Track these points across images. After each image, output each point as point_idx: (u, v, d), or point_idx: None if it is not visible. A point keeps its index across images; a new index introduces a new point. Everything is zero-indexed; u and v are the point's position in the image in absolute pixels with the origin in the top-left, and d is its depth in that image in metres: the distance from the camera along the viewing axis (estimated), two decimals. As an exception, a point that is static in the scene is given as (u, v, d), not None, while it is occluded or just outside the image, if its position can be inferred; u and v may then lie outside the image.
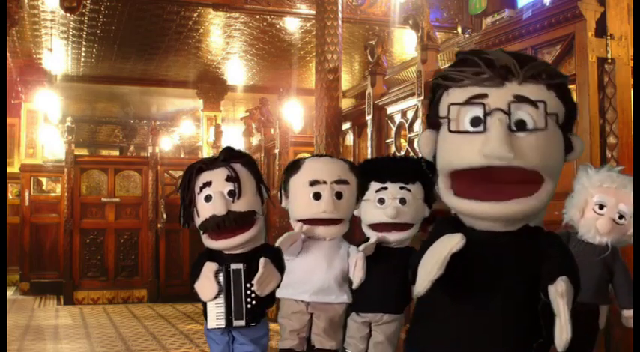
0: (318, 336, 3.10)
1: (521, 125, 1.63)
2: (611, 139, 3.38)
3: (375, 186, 3.05)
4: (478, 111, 1.65)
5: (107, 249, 9.90)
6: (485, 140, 1.61)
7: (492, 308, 1.72)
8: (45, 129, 12.55)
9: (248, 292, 2.60)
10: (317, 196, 2.98)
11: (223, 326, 2.61)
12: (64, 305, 9.52)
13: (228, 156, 2.69)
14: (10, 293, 10.83)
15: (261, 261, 2.55)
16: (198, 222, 2.65)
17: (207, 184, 2.61)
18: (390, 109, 5.70)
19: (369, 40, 6.91)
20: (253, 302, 2.60)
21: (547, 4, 3.71)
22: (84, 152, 17.07)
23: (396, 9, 7.69)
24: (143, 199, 10.06)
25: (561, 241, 1.83)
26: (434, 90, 1.81)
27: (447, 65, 5.45)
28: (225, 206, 2.56)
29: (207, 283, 2.57)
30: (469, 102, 1.67)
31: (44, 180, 11.51)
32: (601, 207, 2.66)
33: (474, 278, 1.73)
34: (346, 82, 11.44)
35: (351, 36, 9.61)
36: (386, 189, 3.02)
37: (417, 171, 3.07)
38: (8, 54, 9.91)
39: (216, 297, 2.59)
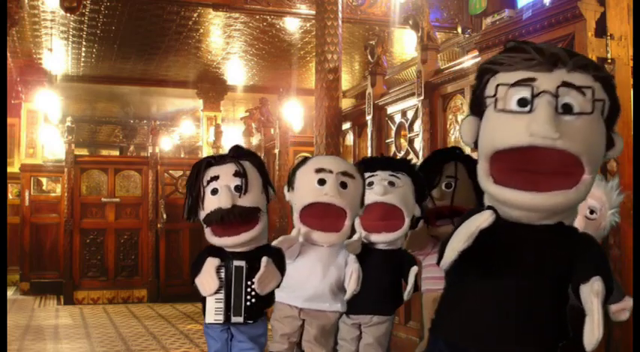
0: (309, 343, 3.09)
1: (567, 108, 1.64)
2: (611, 139, 3.38)
3: (366, 175, 3.08)
4: (526, 93, 1.66)
5: (107, 249, 9.90)
6: (531, 119, 1.62)
7: (521, 301, 1.72)
8: (45, 129, 12.55)
9: (248, 290, 2.61)
10: (321, 182, 2.94)
11: (221, 321, 2.63)
12: (64, 305, 9.52)
13: (237, 154, 2.72)
14: (10, 293, 10.82)
15: (264, 260, 2.57)
16: (202, 215, 2.65)
17: (215, 178, 2.63)
18: (390, 109, 5.70)
19: (369, 40, 6.91)
20: (253, 300, 2.62)
21: (547, 4, 3.71)
22: (84, 152, 17.07)
23: (396, 9, 7.70)
24: (143, 199, 10.06)
25: (596, 243, 1.83)
26: (480, 75, 1.81)
27: (448, 64, 5.47)
28: (230, 199, 2.57)
29: (208, 278, 2.58)
30: (517, 84, 1.68)
31: (44, 180, 11.51)
32: None
33: (504, 270, 1.73)
34: (346, 82, 11.44)
35: (351, 36, 9.61)
36: (376, 175, 3.06)
37: (407, 166, 3.14)
38: (8, 54, 9.91)
39: (216, 293, 2.60)
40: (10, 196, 11.66)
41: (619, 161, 3.36)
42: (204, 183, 2.64)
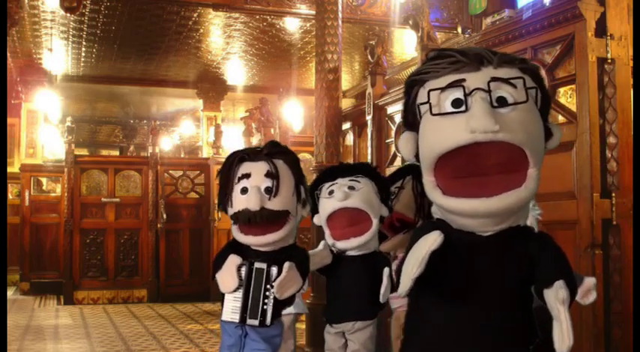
0: None
1: (502, 101, 1.64)
2: (611, 139, 3.38)
3: (325, 185, 3.08)
4: (458, 93, 1.65)
5: (107, 249, 9.90)
6: (468, 117, 1.61)
7: (485, 312, 1.70)
8: (45, 129, 12.55)
9: (267, 293, 2.56)
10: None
11: (237, 321, 2.59)
12: (64, 305, 9.53)
13: (272, 151, 2.62)
14: (10, 293, 10.83)
15: (286, 265, 2.50)
16: (230, 211, 2.59)
17: (247, 176, 2.55)
18: (390, 109, 5.70)
19: (369, 40, 6.91)
20: (270, 303, 2.57)
21: (547, 4, 3.71)
22: (84, 152, 17.08)
23: (396, 9, 7.69)
24: (143, 199, 10.06)
25: (554, 242, 1.80)
26: (409, 88, 1.80)
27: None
28: (259, 202, 2.49)
29: (228, 276, 2.52)
30: (449, 86, 1.68)
31: (44, 180, 11.51)
32: None
33: (464, 283, 1.71)
34: (346, 82, 11.44)
35: (351, 36, 9.62)
36: (336, 183, 3.05)
37: (366, 168, 3.14)
38: (8, 54, 9.91)
39: (235, 291, 2.55)
40: (10, 196, 11.66)
41: (619, 161, 3.35)
42: (236, 180, 2.57)
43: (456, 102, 1.65)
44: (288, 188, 2.59)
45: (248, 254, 2.57)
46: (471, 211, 1.67)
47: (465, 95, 1.64)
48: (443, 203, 1.71)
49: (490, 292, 1.71)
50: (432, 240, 1.63)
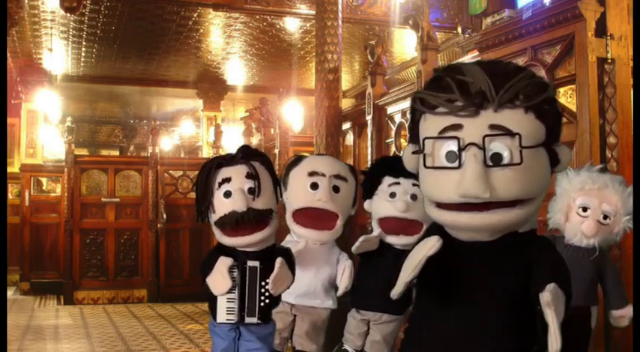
0: (300, 338, 3.11)
1: (497, 159, 1.60)
2: (611, 139, 3.38)
3: (388, 180, 3.06)
4: (453, 146, 1.62)
5: (107, 249, 9.89)
6: (460, 179, 1.59)
7: (482, 317, 1.70)
8: (45, 129, 12.54)
9: (262, 290, 2.60)
10: (314, 186, 3.00)
11: (233, 321, 2.62)
12: (64, 305, 9.52)
13: (248, 154, 2.70)
14: (10, 293, 10.82)
15: (278, 260, 2.57)
16: (214, 217, 2.63)
17: (227, 180, 2.61)
18: (390, 109, 5.70)
19: (369, 40, 6.92)
20: (266, 300, 2.62)
21: (547, 4, 3.71)
22: (84, 152, 17.07)
23: (396, 9, 7.69)
24: (143, 199, 10.05)
25: (552, 246, 1.80)
26: (412, 111, 1.80)
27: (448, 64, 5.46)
28: (245, 202, 2.56)
29: (220, 278, 2.56)
30: (443, 134, 1.65)
31: (44, 180, 11.50)
32: (584, 209, 2.65)
33: (461, 288, 1.72)
34: (346, 81, 11.44)
35: (351, 36, 9.61)
36: (398, 183, 3.02)
37: None
38: (8, 54, 9.91)
39: (228, 292, 2.59)
40: (10, 196, 11.65)
41: (619, 161, 3.36)
42: (216, 186, 2.62)
43: (450, 156, 1.63)
44: (269, 187, 2.67)
45: (235, 255, 2.61)
46: (462, 225, 1.68)
47: (459, 149, 1.61)
48: (436, 216, 1.73)
49: (487, 297, 1.71)
50: (429, 246, 1.65)
